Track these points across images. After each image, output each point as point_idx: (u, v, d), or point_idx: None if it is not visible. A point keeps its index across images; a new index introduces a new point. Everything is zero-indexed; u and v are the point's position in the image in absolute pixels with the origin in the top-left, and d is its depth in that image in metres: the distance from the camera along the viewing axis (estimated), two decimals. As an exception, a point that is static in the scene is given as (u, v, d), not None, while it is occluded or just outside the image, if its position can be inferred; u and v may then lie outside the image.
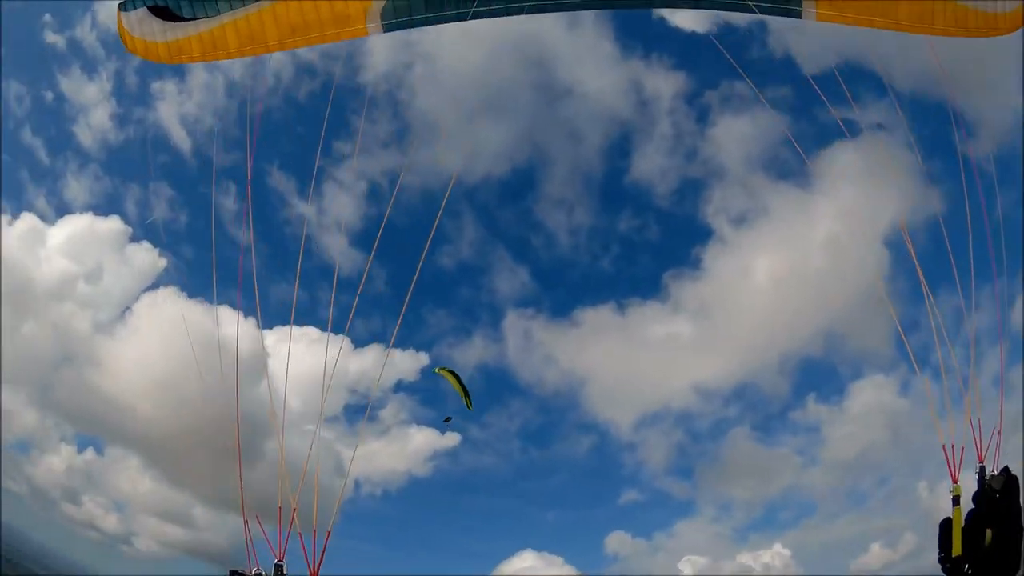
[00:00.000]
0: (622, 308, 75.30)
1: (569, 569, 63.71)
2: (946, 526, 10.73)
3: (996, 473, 10.53)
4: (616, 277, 79.70)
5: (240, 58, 15.04)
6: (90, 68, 77.37)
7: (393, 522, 74.03)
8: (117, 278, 70.01)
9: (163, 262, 71.17)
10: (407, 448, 72.18)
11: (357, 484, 67.02)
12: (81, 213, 74.79)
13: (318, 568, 10.62)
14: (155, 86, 75.25)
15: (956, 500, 10.78)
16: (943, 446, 10.77)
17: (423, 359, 71.63)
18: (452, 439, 70.84)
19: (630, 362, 75.31)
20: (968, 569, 10.44)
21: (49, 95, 75.84)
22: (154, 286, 70.34)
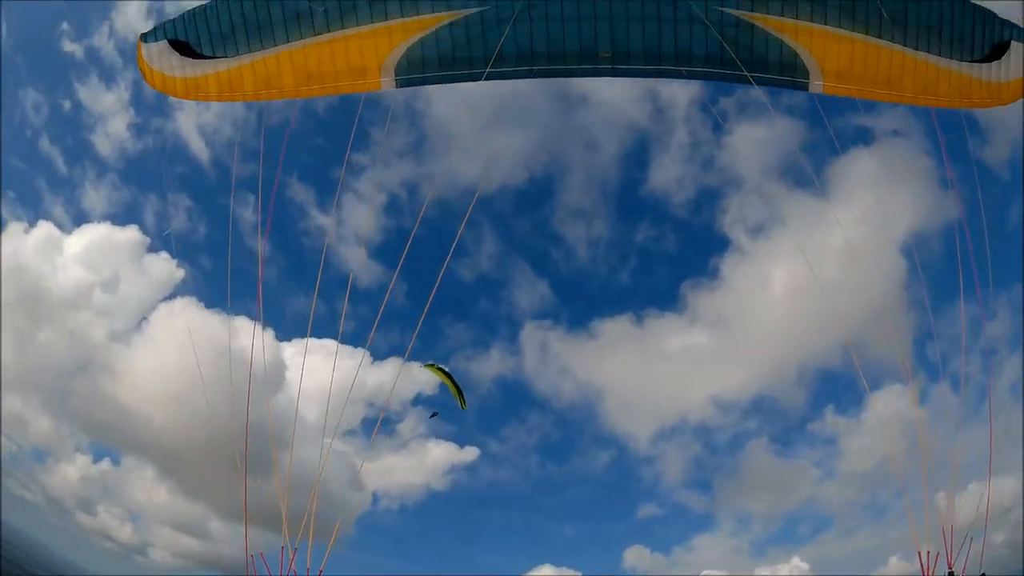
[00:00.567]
0: (640, 319, 74.84)
1: (587, 583, 58.62)
2: None
3: None
4: (633, 288, 79.35)
5: (255, 101, 15.34)
6: (108, 77, 78.06)
7: (411, 536, 72.33)
8: (134, 287, 69.33)
9: (181, 272, 70.06)
10: (425, 462, 70.91)
11: (375, 498, 66.28)
12: (99, 222, 74.96)
13: None
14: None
15: None
16: (918, 553, 11.24)
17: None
18: (471, 453, 69.85)
19: (647, 374, 74.58)
20: None
21: (67, 104, 76.42)
22: (171, 296, 69.15)
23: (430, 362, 20.77)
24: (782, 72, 13.95)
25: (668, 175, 79.15)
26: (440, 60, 14.96)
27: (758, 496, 70.11)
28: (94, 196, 78.51)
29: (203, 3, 14.21)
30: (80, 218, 76.73)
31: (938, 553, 11.19)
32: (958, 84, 12.89)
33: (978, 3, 12.72)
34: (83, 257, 69.84)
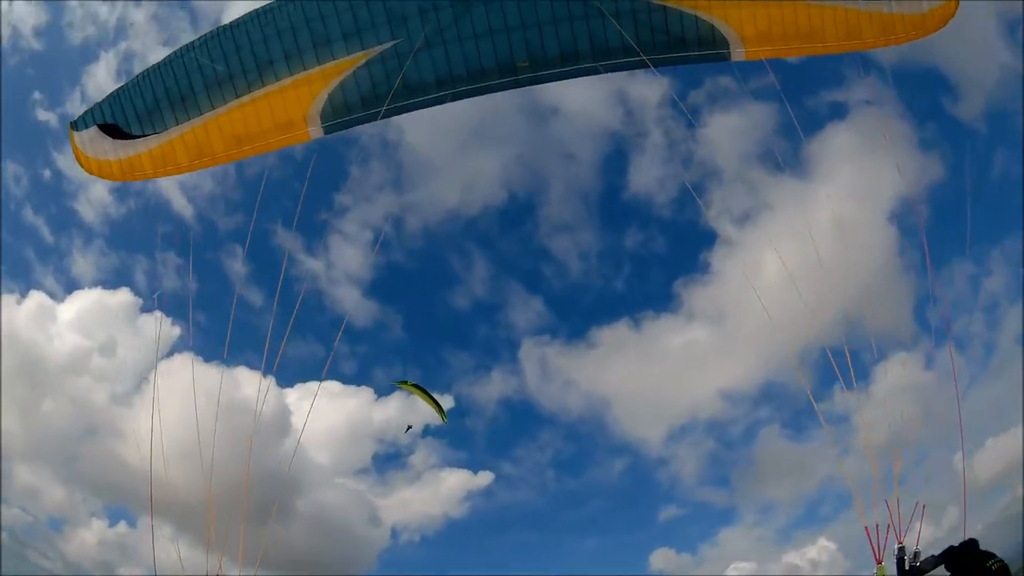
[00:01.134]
0: (636, 323, 73.11)
1: (617, 594, 59.03)
2: None
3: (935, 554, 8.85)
4: (626, 293, 77.27)
5: (191, 172, 15.48)
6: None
7: (434, 565, 70.10)
8: (131, 349, 67.93)
9: (176, 330, 70.59)
10: (440, 491, 69.21)
11: (394, 533, 66.09)
12: (90, 288, 73.85)
13: None
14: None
15: None
16: (866, 528, 10.15)
17: (447, 402, 68.34)
18: (485, 478, 68.90)
19: (652, 377, 73.53)
20: None
21: (47, 173, 75.43)
22: (169, 354, 69.64)
23: (401, 379, 20.23)
24: (701, 47, 13.54)
25: (648, 177, 78.53)
26: (363, 100, 14.94)
27: (777, 483, 69.93)
28: (82, 262, 78.07)
29: (125, 83, 14.54)
30: (71, 285, 76.40)
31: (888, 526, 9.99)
32: (880, 23, 12.28)
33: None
34: (77, 323, 70.07)
